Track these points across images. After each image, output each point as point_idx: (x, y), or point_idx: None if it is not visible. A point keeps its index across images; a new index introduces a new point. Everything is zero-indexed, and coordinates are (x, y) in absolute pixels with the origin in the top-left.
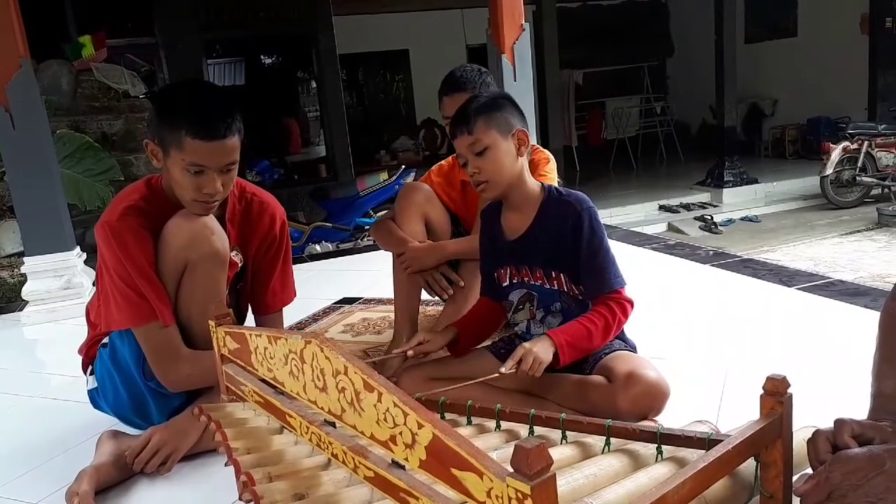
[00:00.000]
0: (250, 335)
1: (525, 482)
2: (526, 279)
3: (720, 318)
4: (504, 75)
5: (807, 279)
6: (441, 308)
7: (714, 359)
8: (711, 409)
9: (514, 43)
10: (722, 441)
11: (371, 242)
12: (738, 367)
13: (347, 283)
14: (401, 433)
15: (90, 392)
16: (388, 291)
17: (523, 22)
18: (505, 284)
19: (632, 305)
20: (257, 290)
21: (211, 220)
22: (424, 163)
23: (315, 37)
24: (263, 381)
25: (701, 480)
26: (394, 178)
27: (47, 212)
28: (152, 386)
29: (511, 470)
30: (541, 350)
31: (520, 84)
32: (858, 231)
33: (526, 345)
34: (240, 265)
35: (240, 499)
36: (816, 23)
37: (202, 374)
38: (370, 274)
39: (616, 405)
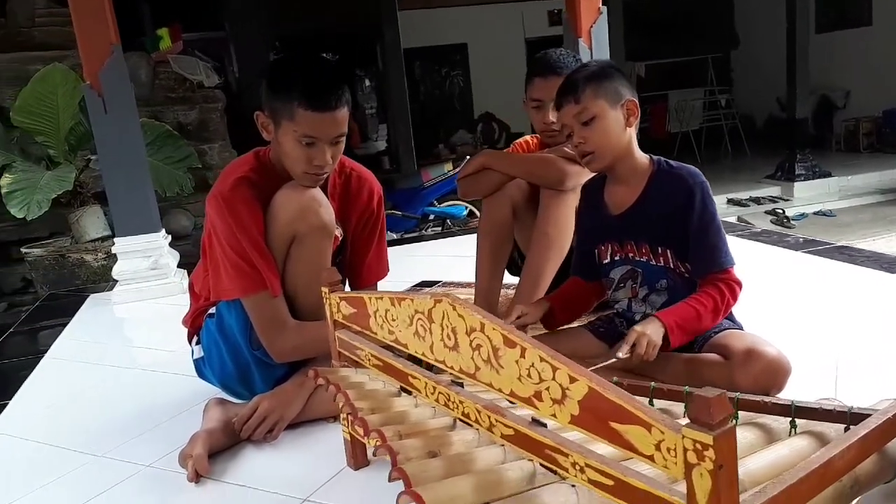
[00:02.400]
0: (370, 299)
1: (706, 432)
2: (630, 255)
3: (822, 304)
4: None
5: None
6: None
7: (823, 344)
8: (827, 394)
9: (592, 27)
10: (868, 415)
11: (439, 230)
12: (849, 352)
13: (423, 267)
14: (548, 388)
15: (196, 361)
16: (464, 275)
17: (600, 5)
18: (606, 261)
19: (740, 287)
20: (354, 264)
21: (318, 193)
22: None
23: (380, 31)
24: (384, 346)
25: (864, 448)
26: (458, 168)
27: (136, 193)
28: (258, 355)
29: (681, 423)
30: (653, 333)
31: None
32: None
33: (637, 328)
34: (340, 239)
35: (374, 454)
36: (893, 10)
37: (308, 345)
38: (444, 259)
39: (734, 383)
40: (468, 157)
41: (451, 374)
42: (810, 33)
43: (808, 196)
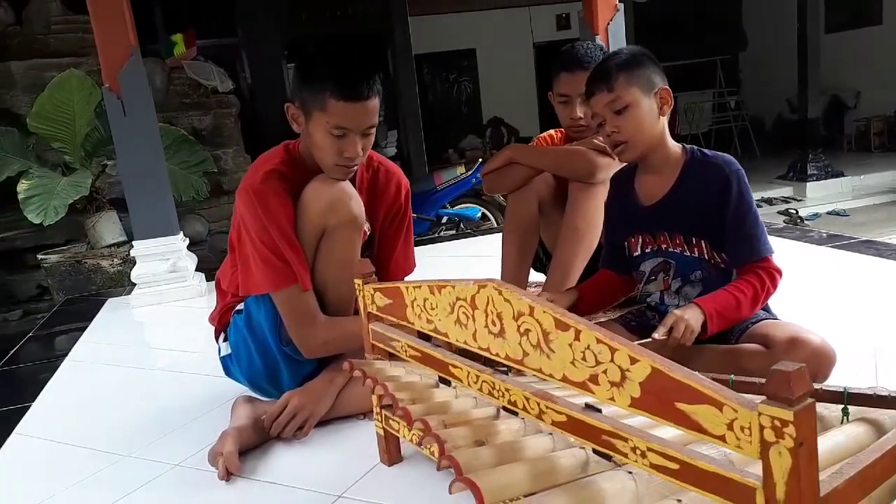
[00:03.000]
0: (407, 288)
1: (786, 408)
2: (664, 247)
3: (855, 296)
4: None
5: None
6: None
7: (859, 335)
8: (868, 383)
9: (609, 24)
10: None
11: (453, 233)
12: (887, 342)
13: (441, 267)
14: (605, 371)
15: (223, 359)
16: (483, 274)
17: (617, 2)
18: (636, 254)
19: (781, 275)
20: (381, 260)
21: (349, 186)
22: None
23: (391, 36)
24: (421, 336)
25: None
26: (470, 172)
27: (155, 196)
28: (288, 351)
29: (755, 400)
30: (692, 318)
31: None
32: None
33: (676, 312)
34: (367, 234)
35: (419, 444)
36: None
37: (338, 340)
38: (462, 259)
39: None
40: (480, 160)
41: (497, 361)
42: (820, 33)
43: (820, 196)
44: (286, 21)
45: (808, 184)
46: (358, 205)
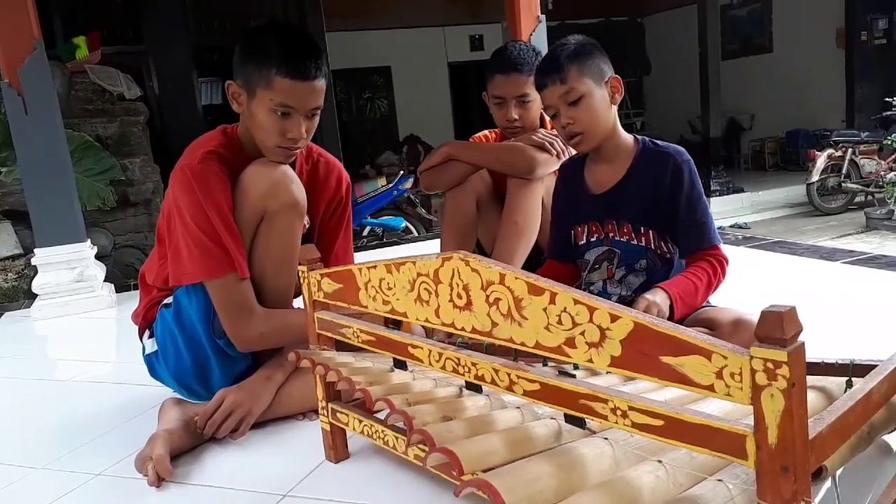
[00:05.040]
0: (360, 269)
1: (779, 349)
2: (611, 235)
3: (777, 295)
4: None
5: (847, 255)
6: None
7: None
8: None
9: (532, 34)
10: (871, 366)
11: (379, 242)
12: (817, 339)
13: None
14: (583, 333)
15: (148, 357)
16: None
17: (539, 14)
18: (581, 243)
19: (728, 263)
20: (321, 254)
21: (290, 170)
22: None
23: None
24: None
25: (893, 382)
26: (392, 184)
27: (59, 200)
28: (221, 345)
29: (741, 347)
30: (661, 302)
31: None
32: (849, 234)
33: (647, 296)
34: (306, 227)
35: (386, 420)
36: (791, 38)
37: (276, 333)
38: None
39: None
40: (401, 172)
41: (461, 335)
42: (718, 60)
43: (723, 210)
44: (195, 31)
45: (712, 199)
46: (299, 189)
